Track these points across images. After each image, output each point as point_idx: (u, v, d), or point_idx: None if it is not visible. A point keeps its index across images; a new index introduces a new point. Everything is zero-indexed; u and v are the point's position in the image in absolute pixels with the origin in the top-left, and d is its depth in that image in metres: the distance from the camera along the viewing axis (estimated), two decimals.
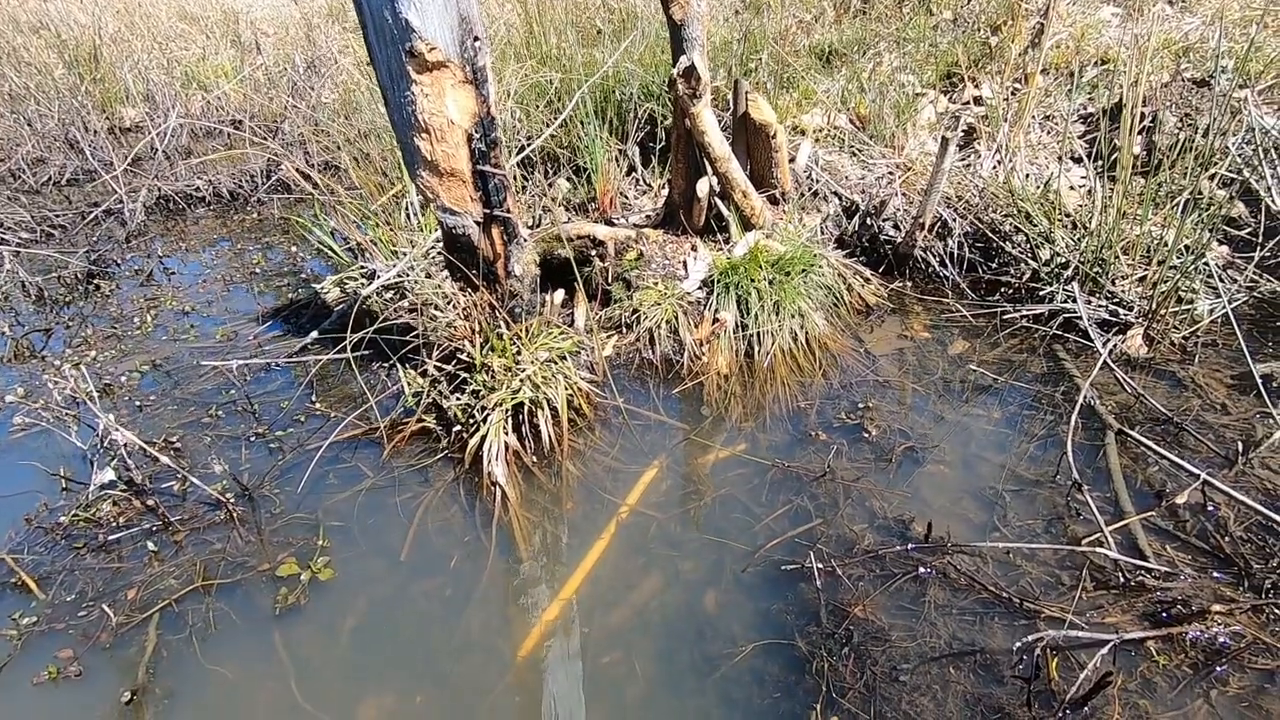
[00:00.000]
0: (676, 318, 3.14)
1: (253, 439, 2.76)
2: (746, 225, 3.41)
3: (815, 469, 2.49)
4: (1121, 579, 2.02)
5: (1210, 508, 2.23)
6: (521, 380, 2.61)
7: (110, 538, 2.34)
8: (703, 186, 3.32)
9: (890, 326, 3.31)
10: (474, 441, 2.52)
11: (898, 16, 5.18)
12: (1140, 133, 3.62)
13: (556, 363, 2.74)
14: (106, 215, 4.71)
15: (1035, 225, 3.36)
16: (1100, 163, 3.46)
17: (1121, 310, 3.06)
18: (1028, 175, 3.67)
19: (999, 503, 2.33)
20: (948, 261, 3.58)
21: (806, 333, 3.14)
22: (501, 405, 2.56)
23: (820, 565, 2.11)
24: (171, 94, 5.64)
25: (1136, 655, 1.84)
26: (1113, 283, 3.12)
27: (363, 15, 2.20)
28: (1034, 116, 3.95)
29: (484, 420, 2.55)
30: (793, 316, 3.12)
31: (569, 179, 4.13)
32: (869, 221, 3.69)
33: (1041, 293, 3.24)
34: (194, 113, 5.64)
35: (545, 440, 2.61)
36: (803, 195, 3.73)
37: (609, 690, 1.88)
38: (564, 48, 4.39)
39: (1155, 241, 3.11)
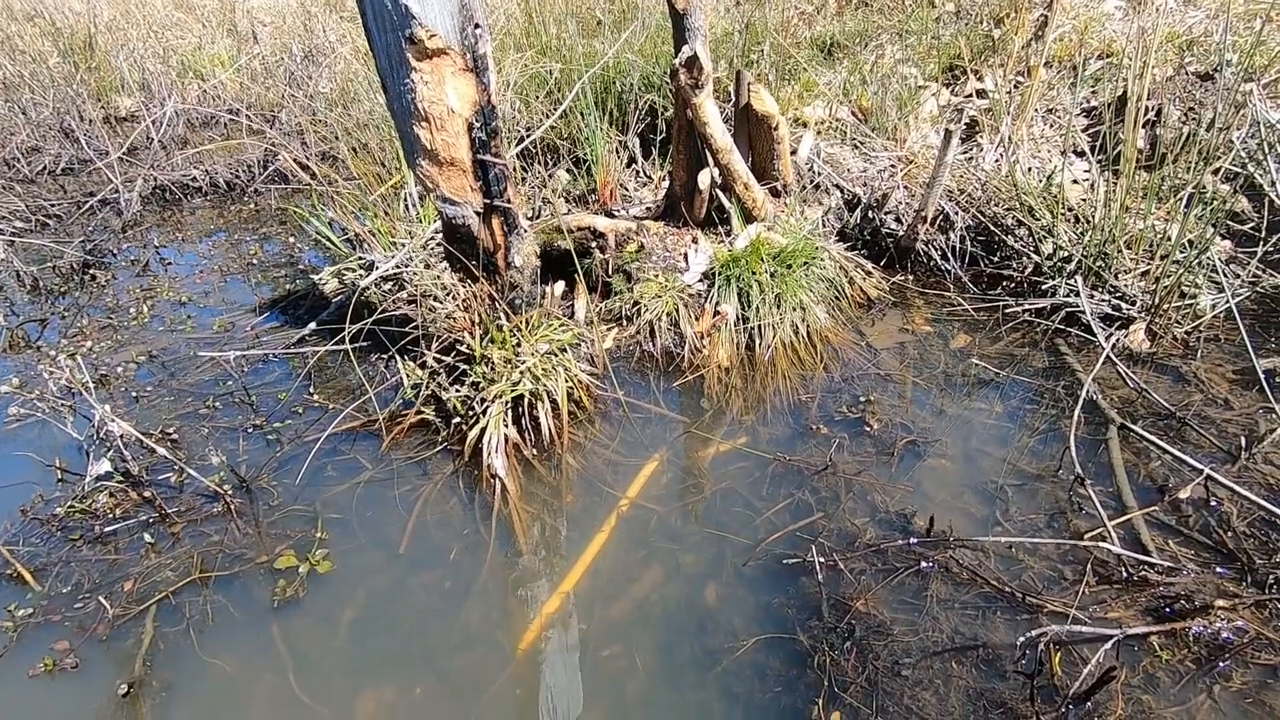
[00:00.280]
0: (677, 310, 3.12)
1: (250, 430, 2.74)
2: (748, 217, 3.38)
3: (816, 462, 2.48)
4: (1124, 574, 2.01)
5: (1213, 503, 2.22)
6: (521, 372, 2.60)
7: (106, 529, 2.33)
8: (704, 178, 3.29)
9: (892, 320, 3.30)
10: (473, 434, 2.51)
11: (900, 8, 5.15)
12: (1144, 126, 3.60)
13: (556, 355, 2.72)
14: (102, 205, 4.68)
15: (1038, 219, 3.35)
16: (1103, 156, 3.45)
17: (1124, 305, 3.05)
18: (1030, 169, 3.65)
19: (1001, 497, 2.32)
20: (950, 255, 3.57)
21: (808, 326, 3.13)
22: (501, 397, 2.55)
23: (822, 559, 2.10)
24: (167, 83, 5.59)
25: (1139, 650, 1.84)
26: (1115, 277, 3.11)
27: (362, 2, 2.17)
28: (1037, 110, 3.93)
29: (483, 412, 2.53)
30: (794, 309, 3.11)
31: (569, 170, 4.10)
32: (871, 214, 3.67)
33: (1044, 287, 3.23)
34: (190, 102, 5.59)
35: (545, 433, 2.60)
36: (804, 188, 3.71)
37: (609, 684, 1.87)
38: (564, 38, 4.36)
39: (1158, 236, 3.10)
